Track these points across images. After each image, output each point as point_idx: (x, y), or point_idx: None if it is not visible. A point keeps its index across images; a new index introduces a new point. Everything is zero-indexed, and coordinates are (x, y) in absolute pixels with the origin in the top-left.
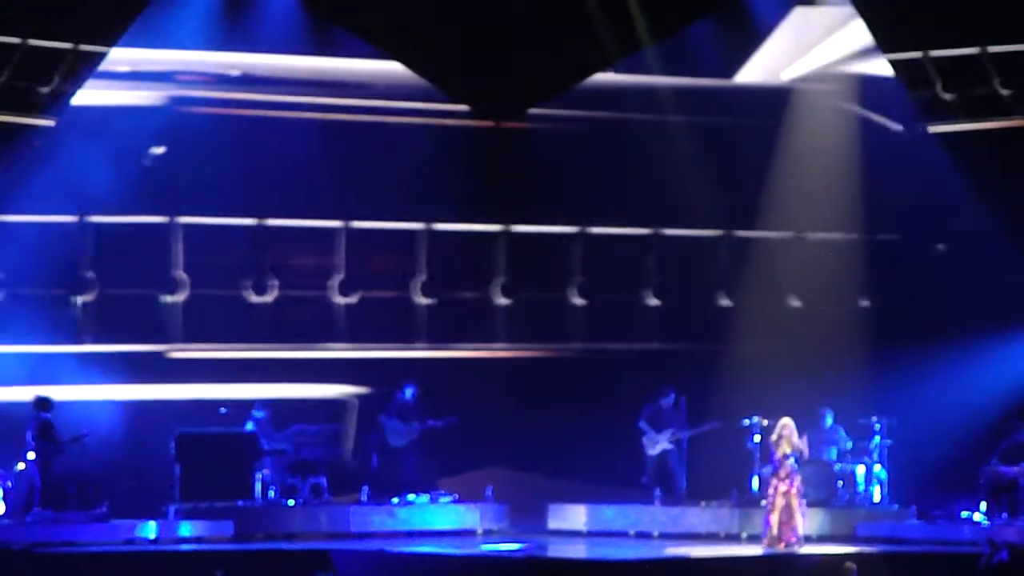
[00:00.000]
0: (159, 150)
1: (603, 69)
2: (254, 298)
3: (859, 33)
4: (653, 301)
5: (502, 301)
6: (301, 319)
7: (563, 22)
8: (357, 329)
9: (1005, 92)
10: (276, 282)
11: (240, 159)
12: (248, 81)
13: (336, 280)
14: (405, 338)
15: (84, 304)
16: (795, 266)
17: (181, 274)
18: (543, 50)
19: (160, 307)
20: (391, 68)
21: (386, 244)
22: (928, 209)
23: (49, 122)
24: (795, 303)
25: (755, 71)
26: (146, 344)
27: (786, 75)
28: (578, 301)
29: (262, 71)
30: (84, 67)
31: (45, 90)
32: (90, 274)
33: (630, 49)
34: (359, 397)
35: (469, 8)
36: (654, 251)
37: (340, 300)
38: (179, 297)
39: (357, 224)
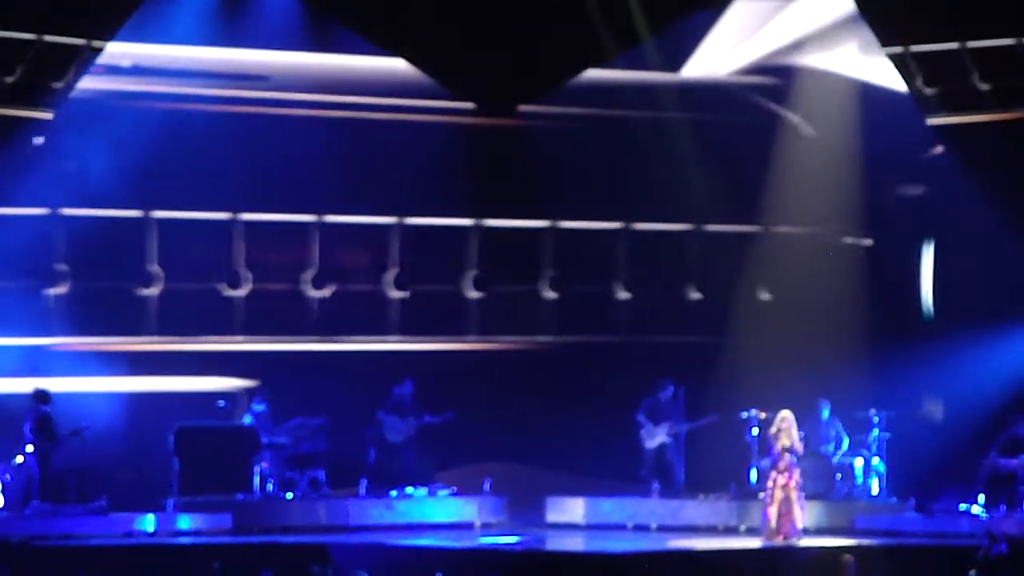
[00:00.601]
0: (39, 140)
1: (600, 64)
2: (228, 292)
3: (790, 26)
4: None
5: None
6: (275, 313)
7: (561, 16)
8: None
9: (984, 87)
10: (250, 276)
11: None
12: (237, 77)
13: (309, 274)
14: (408, 332)
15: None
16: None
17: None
18: (540, 44)
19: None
20: (373, 64)
21: (359, 238)
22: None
23: (47, 115)
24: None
25: (700, 65)
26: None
27: (722, 69)
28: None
29: (252, 67)
30: (81, 62)
31: (44, 84)
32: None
33: (627, 43)
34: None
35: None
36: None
37: (314, 293)
38: (154, 290)
39: (331, 218)
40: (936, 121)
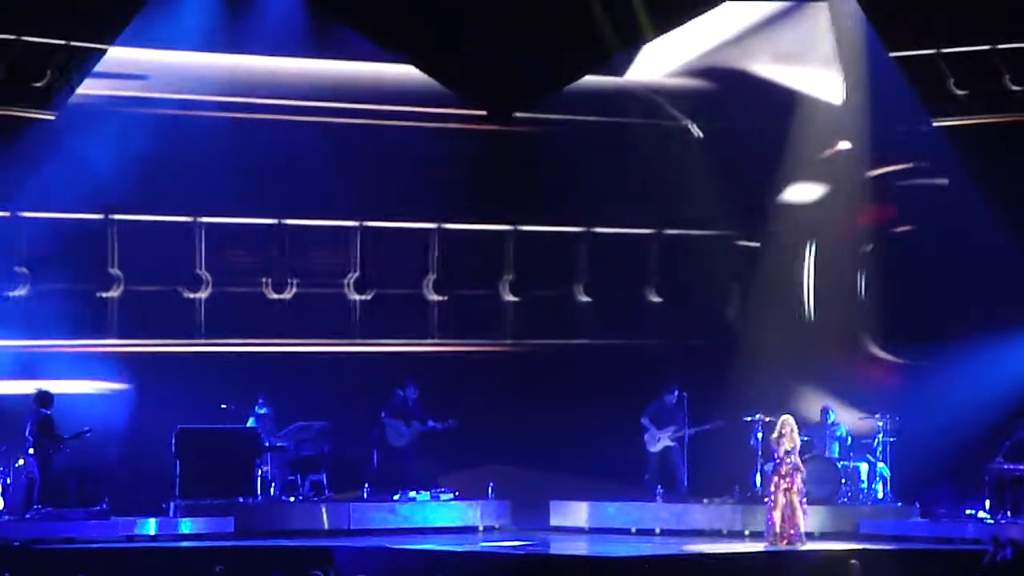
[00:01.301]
0: None
1: (603, 64)
2: (272, 295)
3: (717, 28)
4: (655, 298)
5: (510, 297)
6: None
7: (564, 16)
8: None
9: (1016, 88)
10: (295, 280)
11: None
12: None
13: (352, 278)
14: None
15: None
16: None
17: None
18: (544, 44)
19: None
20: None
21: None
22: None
23: (49, 116)
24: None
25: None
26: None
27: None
28: (583, 298)
29: (263, 74)
30: (84, 63)
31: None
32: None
33: (631, 43)
34: None
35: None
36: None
37: (355, 297)
38: (202, 294)
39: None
40: (938, 123)
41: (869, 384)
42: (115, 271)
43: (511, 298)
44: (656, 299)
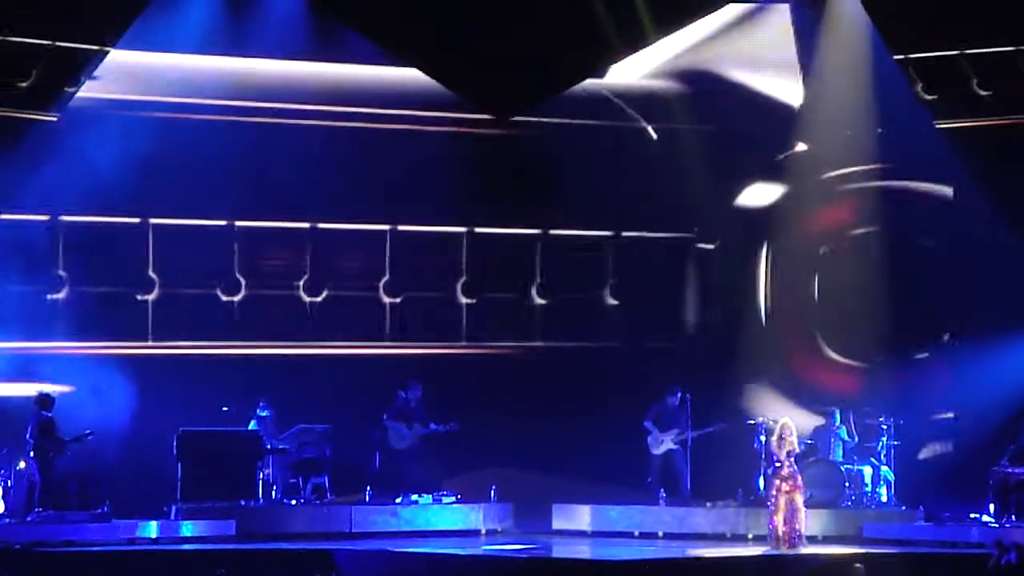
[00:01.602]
0: None
1: (605, 66)
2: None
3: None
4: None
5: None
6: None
7: (567, 18)
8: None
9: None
10: (329, 283)
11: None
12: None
13: (383, 281)
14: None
15: None
16: None
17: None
18: (546, 46)
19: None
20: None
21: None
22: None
23: (51, 117)
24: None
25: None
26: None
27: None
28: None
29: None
30: (84, 66)
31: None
32: None
33: (634, 45)
34: None
35: (473, 4)
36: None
37: (386, 300)
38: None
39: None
40: (942, 126)
41: (824, 387)
42: (62, 272)
43: (539, 302)
44: (613, 301)
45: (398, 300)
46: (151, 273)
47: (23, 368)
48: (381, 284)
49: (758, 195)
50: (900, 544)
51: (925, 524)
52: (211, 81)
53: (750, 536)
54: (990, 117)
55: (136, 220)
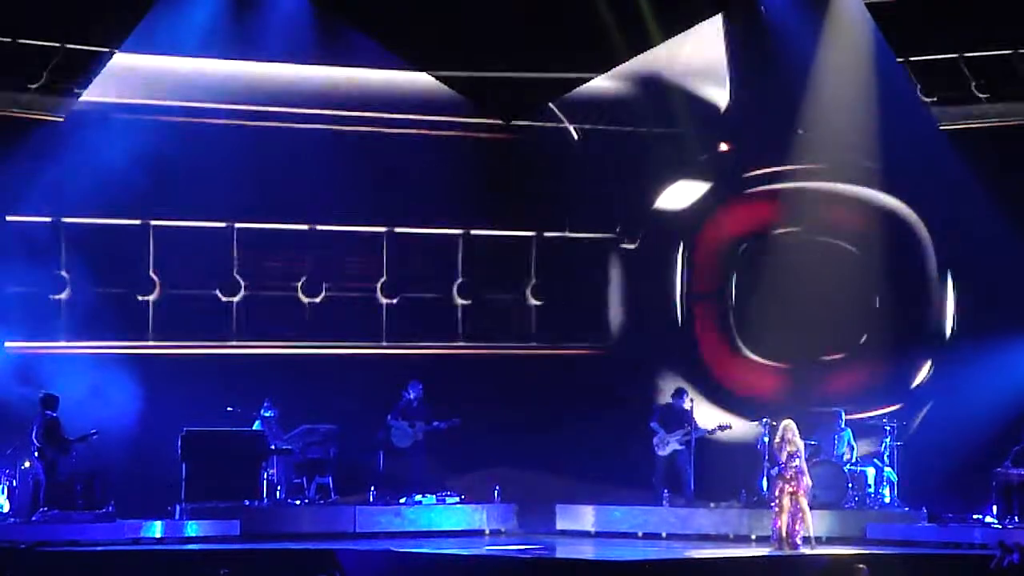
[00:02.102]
0: None
1: (608, 68)
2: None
3: None
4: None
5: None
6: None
7: (571, 21)
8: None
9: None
10: (327, 284)
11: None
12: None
13: (380, 282)
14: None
15: None
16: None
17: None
18: (550, 50)
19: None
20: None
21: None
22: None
23: (58, 119)
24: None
25: None
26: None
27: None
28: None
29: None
30: (90, 68)
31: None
32: None
33: (638, 47)
34: None
35: (477, 6)
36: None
37: (383, 300)
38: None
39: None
40: (943, 127)
41: (744, 388)
42: (64, 273)
43: (535, 302)
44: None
45: (394, 301)
46: (152, 274)
47: (26, 368)
48: (378, 285)
49: (680, 195)
50: (903, 545)
51: (928, 525)
52: (214, 84)
53: (753, 537)
54: (990, 119)
55: (138, 221)
